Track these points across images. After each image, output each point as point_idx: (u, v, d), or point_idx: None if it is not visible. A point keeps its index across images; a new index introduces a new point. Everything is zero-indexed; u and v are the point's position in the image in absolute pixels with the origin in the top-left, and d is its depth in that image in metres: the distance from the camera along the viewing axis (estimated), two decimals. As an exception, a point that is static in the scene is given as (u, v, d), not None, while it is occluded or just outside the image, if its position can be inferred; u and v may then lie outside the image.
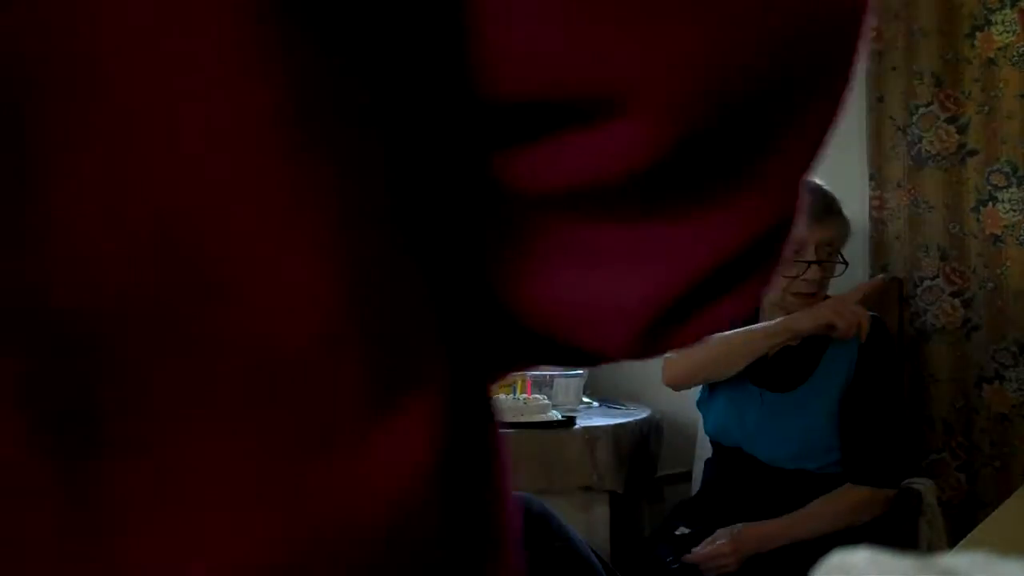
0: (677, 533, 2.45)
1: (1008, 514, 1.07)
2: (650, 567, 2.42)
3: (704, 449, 2.57)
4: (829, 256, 2.33)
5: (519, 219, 0.38)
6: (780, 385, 2.37)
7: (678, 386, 2.41)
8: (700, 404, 2.53)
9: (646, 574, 2.42)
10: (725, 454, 2.42)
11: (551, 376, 2.91)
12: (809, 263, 2.26)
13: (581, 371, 2.99)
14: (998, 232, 2.86)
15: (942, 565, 0.48)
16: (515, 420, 2.60)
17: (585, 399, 2.91)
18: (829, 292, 2.41)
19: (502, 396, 2.68)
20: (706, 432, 2.48)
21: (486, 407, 0.42)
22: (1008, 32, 2.84)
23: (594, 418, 2.71)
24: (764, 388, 2.38)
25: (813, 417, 2.31)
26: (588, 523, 2.52)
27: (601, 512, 2.61)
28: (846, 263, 2.38)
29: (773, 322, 2.27)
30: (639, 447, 2.60)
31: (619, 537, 2.67)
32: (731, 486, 2.39)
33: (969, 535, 1.00)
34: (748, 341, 2.25)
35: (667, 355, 2.54)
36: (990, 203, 2.87)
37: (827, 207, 2.30)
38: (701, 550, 2.21)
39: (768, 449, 2.35)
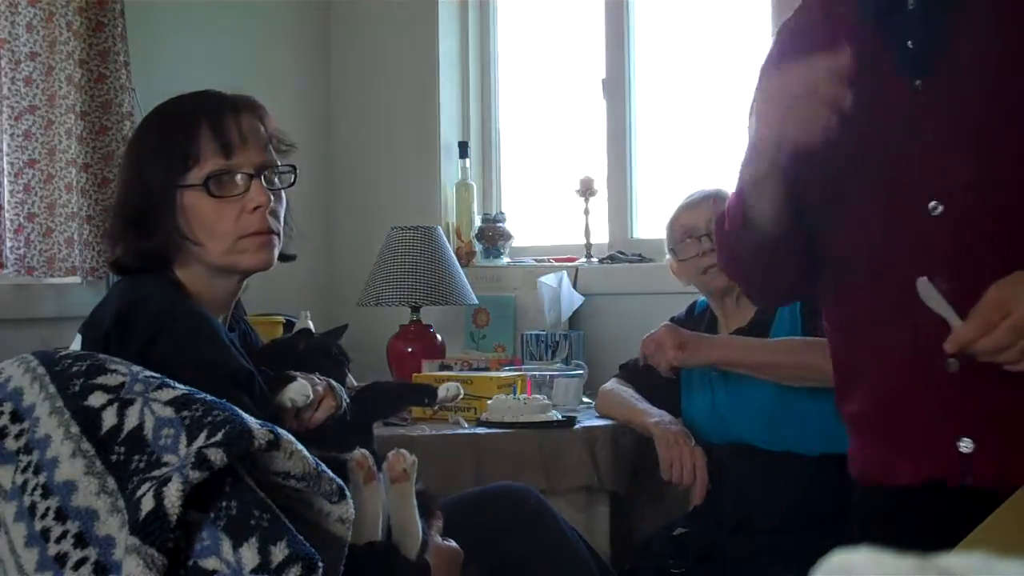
0: (675, 533, 2.45)
1: (1008, 514, 1.07)
2: (650, 567, 2.42)
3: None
4: None
5: None
6: None
7: (600, 414, 2.71)
8: (684, 413, 2.56)
9: (646, 574, 2.42)
10: (716, 451, 2.43)
11: (551, 376, 2.91)
12: (700, 238, 2.51)
13: (581, 371, 2.99)
14: (998, 232, 2.86)
15: (942, 565, 0.48)
16: (515, 420, 2.60)
17: (585, 399, 2.90)
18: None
19: (502, 396, 2.68)
20: (687, 425, 2.49)
21: None
22: (1008, 32, 2.83)
23: (594, 418, 2.70)
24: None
25: (768, 382, 2.35)
26: (588, 523, 2.51)
27: (601, 512, 2.61)
28: None
29: (646, 412, 2.54)
30: (639, 447, 2.60)
31: (619, 537, 2.66)
32: (727, 482, 2.40)
33: (969, 535, 1.00)
34: (628, 412, 2.58)
35: (603, 386, 2.69)
36: (990, 203, 2.86)
37: (704, 192, 2.59)
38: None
39: (745, 426, 2.38)
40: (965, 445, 1.49)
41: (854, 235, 1.58)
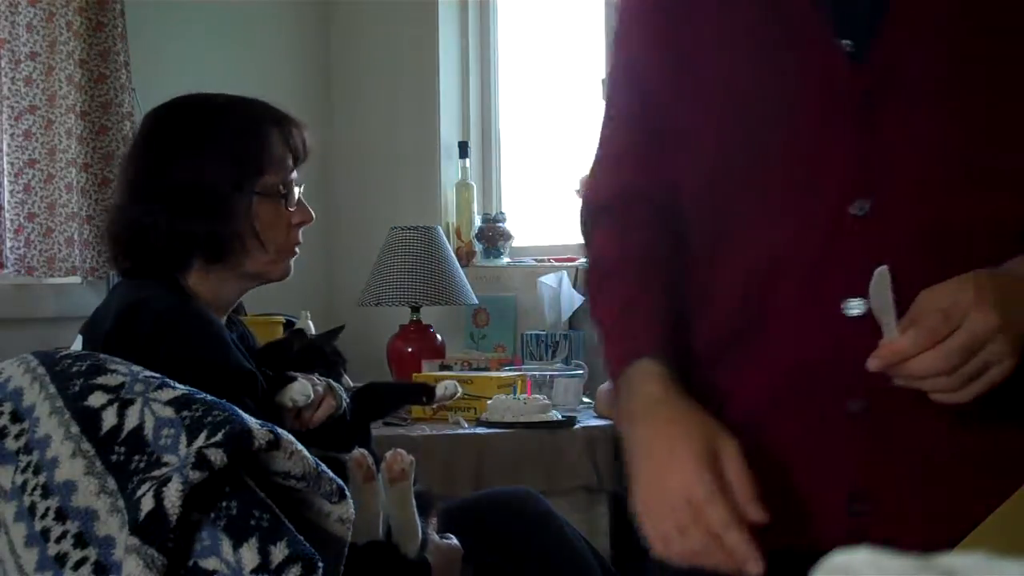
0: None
1: (1008, 514, 1.07)
2: (651, 567, 2.42)
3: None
4: None
5: None
6: None
7: (599, 415, 2.70)
8: None
9: (646, 574, 2.42)
10: None
11: (551, 376, 2.91)
12: None
13: (581, 371, 2.99)
14: (998, 232, 2.86)
15: (942, 565, 0.48)
16: (515, 420, 2.60)
17: (585, 399, 2.90)
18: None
19: (502, 396, 2.68)
20: None
21: None
22: (1008, 32, 2.84)
23: (594, 418, 2.70)
24: None
25: None
26: (588, 523, 2.51)
27: (601, 512, 2.61)
28: None
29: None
30: (639, 447, 2.60)
31: (619, 537, 2.66)
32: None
33: (969, 535, 1.00)
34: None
35: (601, 387, 2.66)
36: (990, 203, 2.86)
37: None
38: None
39: None
40: (857, 509, 1.13)
41: (738, 240, 1.18)
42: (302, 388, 1.66)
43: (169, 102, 1.75)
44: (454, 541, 1.75)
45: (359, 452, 1.62)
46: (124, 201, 1.72)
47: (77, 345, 1.68)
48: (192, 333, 1.60)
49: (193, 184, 1.66)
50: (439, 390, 1.93)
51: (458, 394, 1.99)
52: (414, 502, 1.67)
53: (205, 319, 1.63)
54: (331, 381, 1.76)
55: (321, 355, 1.82)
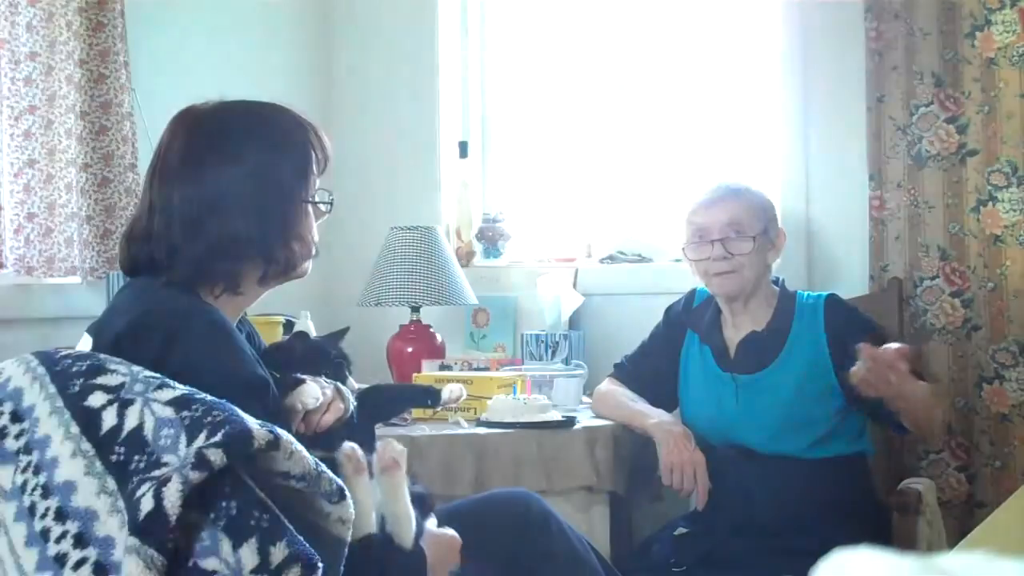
0: (676, 533, 2.45)
1: (1008, 514, 1.07)
2: (650, 567, 2.42)
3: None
4: (737, 234, 2.46)
5: None
6: (749, 368, 2.43)
7: (596, 415, 2.69)
8: (683, 412, 2.56)
9: (646, 574, 2.42)
10: (716, 453, 2.43)
11: (551, 376, 2.91)
12: (712, 242, 2.45)
13: (581, 371, 2.99)
14: (998, 232, 2.86)
15: (942, 565, 0.48)
16: (515, 420, 2.60)
17: (585, 399, 2.90)
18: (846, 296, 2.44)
19: (502, 396, 2.68)
20: (685, 423, 2.50)
21: None
22: (1008, 32, 2.84)
23: (594, 418, 2.70)
24: (734, 372, 2.44)
25: (785, 392, 2.37)
26: (588, 523, 2.51)
27: (601, 512, 2.61)
28: (753, 238, 2.47)
29: (645, 414, 2.53)
30: (639, 447, 2.60)
31: (619, 537, 2.66)
32: (727, 483, 2.39)
33: (969, 535, 1.00)
34: (626, 414, 2.58)
35: (598, 387, 2.64)
36: (990, 203, 2.86)
37: (725, 190, 2.50)
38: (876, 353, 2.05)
39: (750, 431, 2.39)
40: None
41: None
42: (312, 391, 1.65)
43: (215, 105, 1.73)
44: (451, 531, 1.75)
45: (348, 446, 1.61)
46: (171, 202, 1.67)
47: (85, 344, 1.67)
48: (205, 337, 1.58)
49: (261, 189, 1.69)
50: (445, 394, 1.94)
51: (463, 398, 2.00)
52: (407, 493, 1.66)
53: (219, 323, 1.61)
54: (339, 384, 1.75)
55: (326, 357, 1.82)
